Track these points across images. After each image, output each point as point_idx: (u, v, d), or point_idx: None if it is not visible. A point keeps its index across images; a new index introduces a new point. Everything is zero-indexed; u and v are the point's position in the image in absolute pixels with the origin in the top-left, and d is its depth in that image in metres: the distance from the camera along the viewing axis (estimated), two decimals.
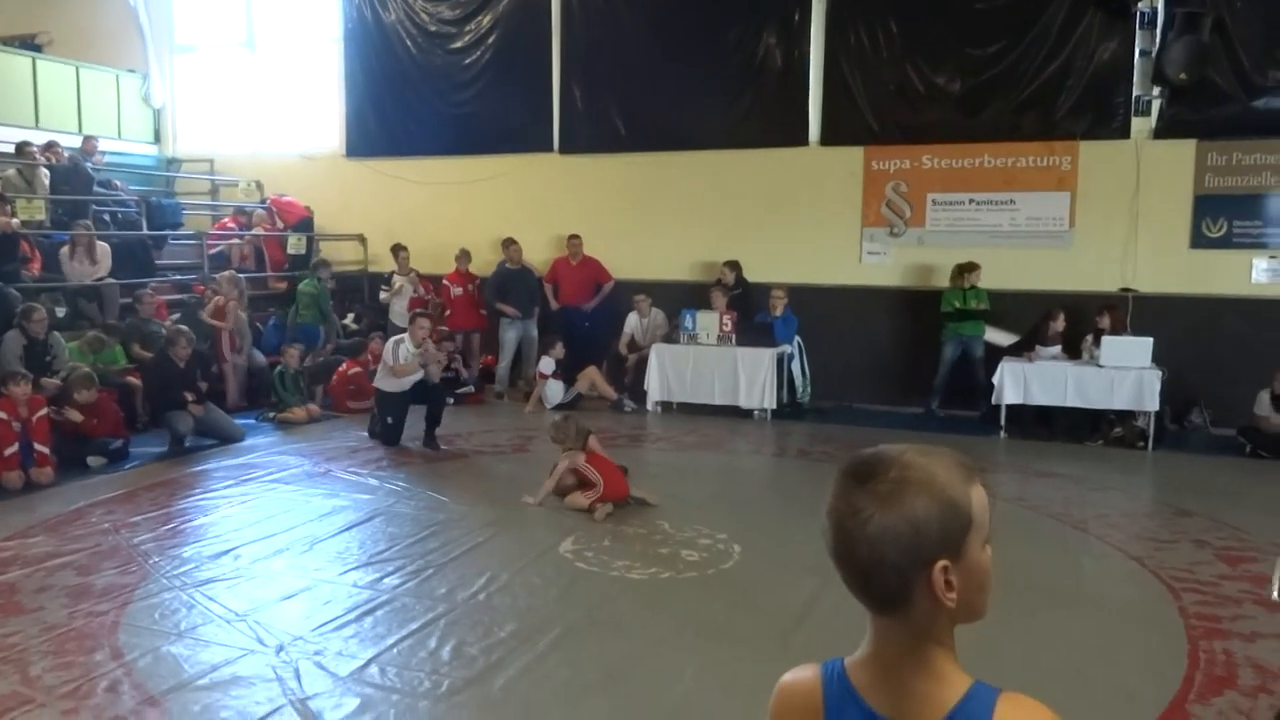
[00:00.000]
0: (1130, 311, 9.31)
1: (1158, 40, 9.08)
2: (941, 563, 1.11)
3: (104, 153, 11.54)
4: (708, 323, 9.77)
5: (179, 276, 10.94)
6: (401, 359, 8.22)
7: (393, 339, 8.53)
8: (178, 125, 13.60)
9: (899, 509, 1.11)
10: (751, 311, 10.04)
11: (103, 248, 9.55)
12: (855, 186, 10.36)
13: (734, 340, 9.67)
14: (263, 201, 12.39)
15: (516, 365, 10.98)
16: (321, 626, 4.44)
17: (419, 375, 8.26)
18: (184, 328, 8.46)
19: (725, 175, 10.78)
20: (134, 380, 8.68)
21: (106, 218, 10.57)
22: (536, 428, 9.05)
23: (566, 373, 10.18)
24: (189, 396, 8.03)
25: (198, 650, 4.17)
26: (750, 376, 9.53)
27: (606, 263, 10.96)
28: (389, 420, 8.24)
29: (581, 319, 10.87)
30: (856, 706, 1.18)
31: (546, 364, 10.04)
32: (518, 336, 10.79)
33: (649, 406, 9.88)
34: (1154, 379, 8.31)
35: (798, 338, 9.95)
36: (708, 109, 10.67)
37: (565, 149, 11.45)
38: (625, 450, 7.80)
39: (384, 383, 8.30)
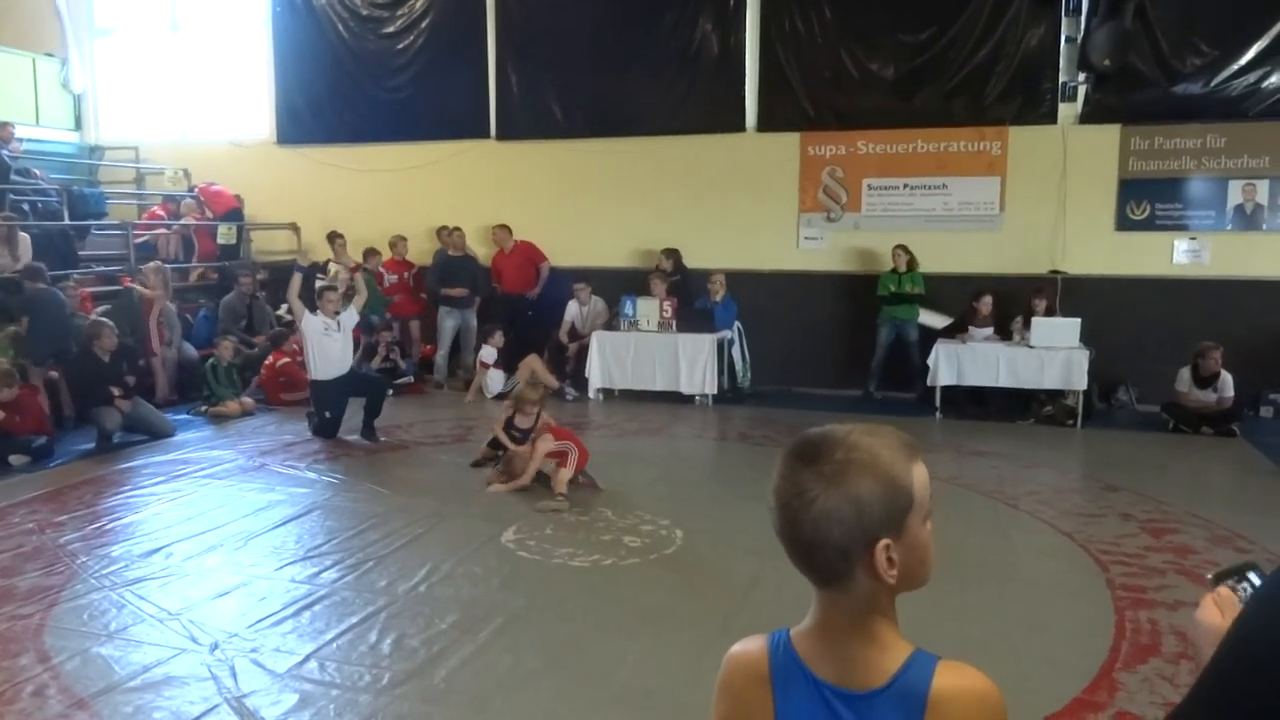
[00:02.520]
0: (1059, 293, 9.54)
1: (1082, 27, 9.30)
2: (884, 541, 1.14)
3: (21, 140, 11.12)
4: (648, 309, 9.78)
5: (103, 268, 10.61)
6: (311, 330, 8.00)
7: (306, 316, 8.27)
8: (99, 111, 13.16)
9: (843, 490, 1.13)
10: (691, 298, 10.08)
11: (23, 239, 9.21)
12: (792, 172, 10.45)
13: (674, 326, 9.70)
14: (190, 189, 12.06)
15: (455, 354, 10.88)
16: (258, 623, 4.36)
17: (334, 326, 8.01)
18: (106, 320, 8.20)
19: (663, 161, 10.78)
20: (53, 374, 8.40)
21: (25, 207, 10.20)
22: (477, 417, 9.00)
23: (507, 361, 10.11)
24: (115, 391, 7.80)
25: (128, 651, 4.07)
26: (691, 362, 9.57)
27: (545, 250, 10.90)
28: (325, 414, 8.09)
29: (525, 307, 10.81)
30: (801, 674, 1.21)
31: (488, 353, 9.96)
32: (456, 325, 10.68)
33: (590, 394, 9.88)
34: (1082, 359, 8.54)
35: (737, 323, 10.01)
36: (645, 95, 10.65)
37: (502, 135, 11.35)
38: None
39: (316, 370, 8.10)
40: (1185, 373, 8.52)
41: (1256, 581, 1.10)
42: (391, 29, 11.61)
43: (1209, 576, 1.14)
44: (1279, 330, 9.08)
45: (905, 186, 10.14)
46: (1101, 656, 4.01)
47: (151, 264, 9.82)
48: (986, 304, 9.29)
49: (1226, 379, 8.37)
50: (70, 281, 9.33)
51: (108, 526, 5.83)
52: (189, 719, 3.51)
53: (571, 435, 6.76)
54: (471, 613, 4.46)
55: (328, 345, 8.02)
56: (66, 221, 10.39)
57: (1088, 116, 9.57)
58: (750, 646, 1.28)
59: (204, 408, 9.06)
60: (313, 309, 8.10)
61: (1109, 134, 9.56)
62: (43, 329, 8.27)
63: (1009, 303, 9.39)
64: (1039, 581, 4.99)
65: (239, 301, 10.57)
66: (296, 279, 8.20)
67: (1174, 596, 4.66)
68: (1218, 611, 1.08)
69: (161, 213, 11.72)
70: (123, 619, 4.41)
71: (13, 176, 10.38)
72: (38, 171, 11.12)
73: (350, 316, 8.24)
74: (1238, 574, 1.12)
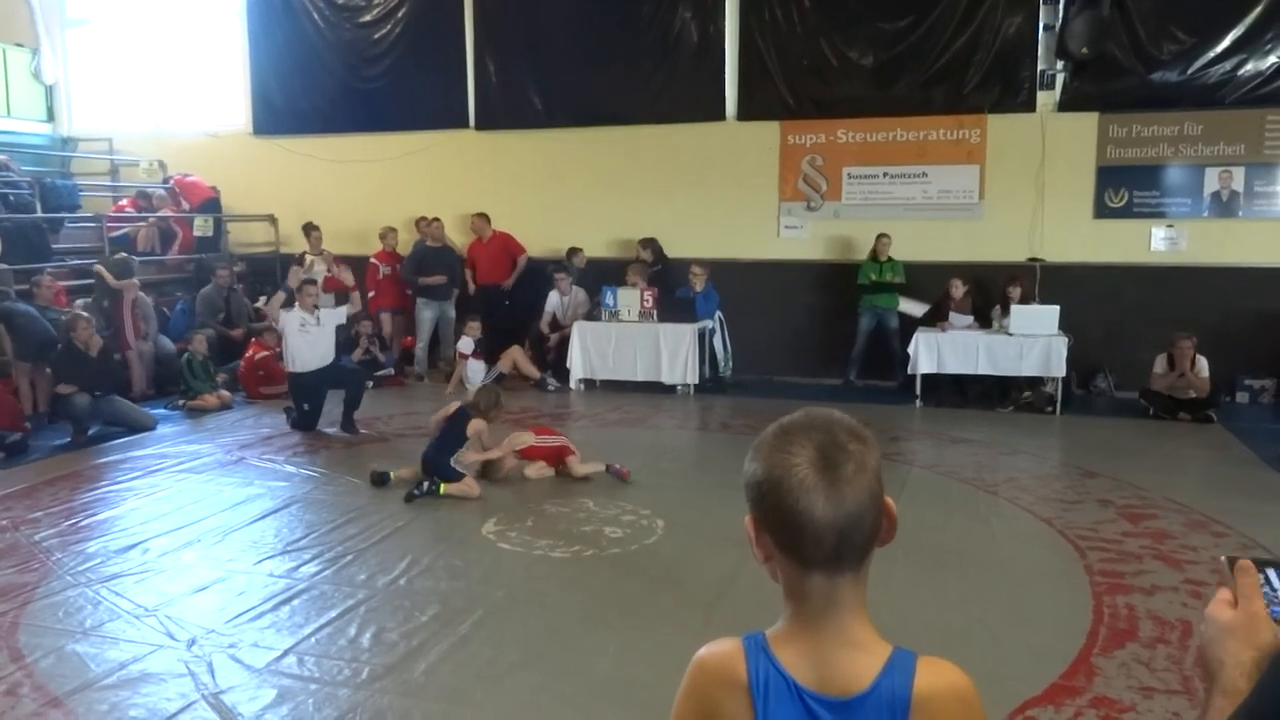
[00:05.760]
0: (1038, 280, 9.58)
1: (1060, 15, 9.33)
2: (888, 497, 1.18)
3: None
4: (629, 299, 9.76)
5: (78, 261, 10.47)
6: (288, 326, 7.94)
7: (283, 313, 8.24)
8: (72, 102, 12.99)
9: (871, 458, 1.16)
10: (672, 287, 10.06)
11: None
12: (772, 161, 10.44)
13: (655, 317, 9.69)
14: (165, 181, 11.93)
15: (435, 346, 10.83)
16: (236, 618, 4.32)
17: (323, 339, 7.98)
18: (81, 312, 8.11)
19: (643, 151, 10.74)
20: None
21: None
22: None
23: (488, 353, 10.07)
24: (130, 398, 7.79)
25: (104, 648, 4.03)
26: (672, 352, 9.56)
27: (525, 240, 10.85)
28: (304, 407, 8.03)
29: (501, 298, 10.75)
30: (783, 681, 1.17)
31: (465, 344, 9.92)
32: (434, 316, 10.63)
33: (572, 385, 9.85)
34: (1061, 346, 8.59)
35: (719, 313, 10.01)
36: (624, 84, 10.61)
37: (481, 125, 11.28)
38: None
39: (294, 364, 7.99)
40: (1161, 359, 8.59)
41: (1276, 583, 1.02)
42: (368, 18, 11.51)
43: (1223, 559, 1.06)
44: (1255, 316, 9.17)
45: (885, 175, 10.15)
46: (1079, 642, 4.03)
47: (119, 256, 9.63)
48: (958, 287, 9.30)
49: (1202, 363, 8.44)
50: (45, 275, 9.22)
51: (83, 522, 5.77)
52: (166, 716, 3.48)
53: (551, 431, 6.84)
54: (451, 605, 4.45)
55: (303, 341, 7.95)
56: (39, 214, 10.26)
57: (1066, 104, 9.60)
58: (723, 651, 1.22)
59: (181, 402, 8.97)
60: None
61: (1087, 122, 9.59)
62: (27, 336, 8.28)
63: (989, 290, 9.42)
64: (1018, 568, 5.02)
65: (216, 294, 10.46)
66: (281, 296, 8.16)
67: (1151, 581, 4.70)
68: (1230, 609, 1.02)
69: (130, 208, 11.57)
70: (98, 616, 4.37)
71: None
72: (10, 163, 10.95)
73: (335, 315, 8.22)
74: (1259, 567, 1.04)
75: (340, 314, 8.26)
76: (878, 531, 1.17)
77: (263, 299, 11.28)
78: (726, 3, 10.32)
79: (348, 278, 8.94)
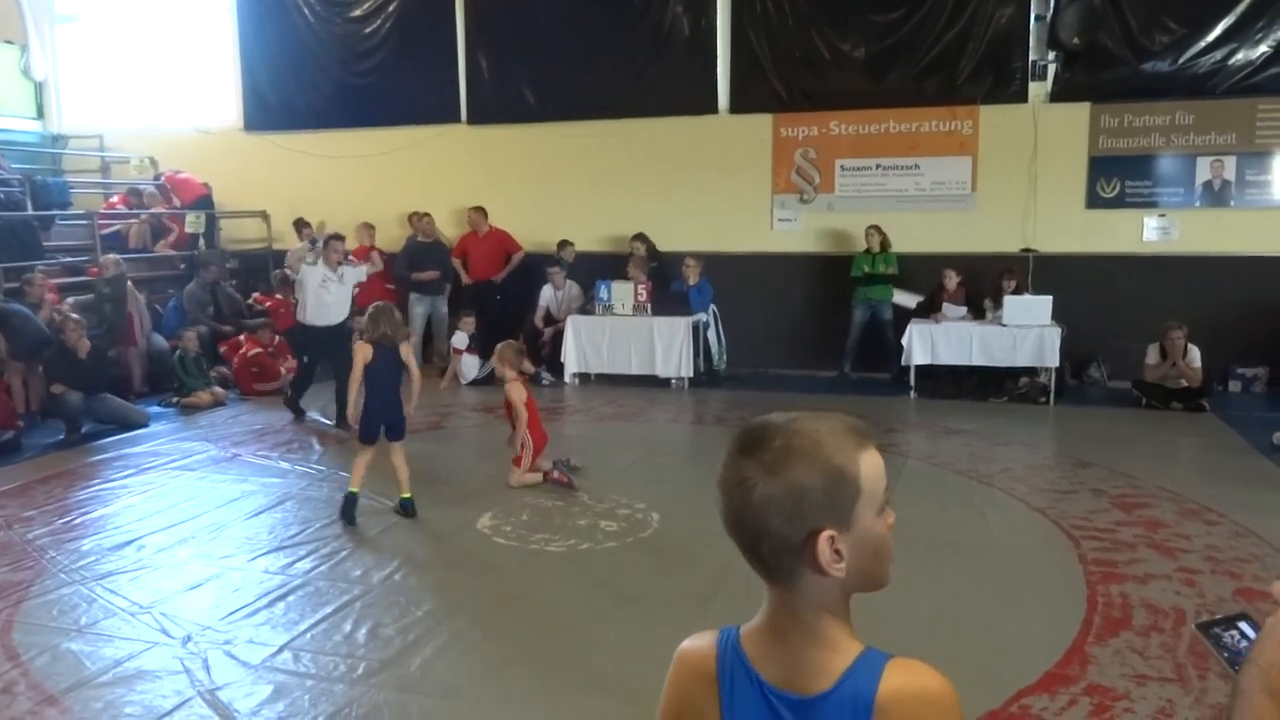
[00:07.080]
0: (1030, 271, 9.59)
1: (1052, 5, 9.32)
2: (828, 532, 1.10)
3: None
4: (623, 293, 9.75)
5: (69, 259, 10.44)
6: (309, 279, 7.97)
7: (305, 266, 8.19)
8: (62, 99, 12.92)
9: (782, 477, 1.10)
10: (666, 281, 10.06)
11: None
12: (765, 154, 10.42)
13: (649, 310, 9.68)
14: (156, 178, 11.88)
15: (429, 342, 10.81)
16: (231, 615, 4.32)
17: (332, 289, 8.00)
18: (71, 315, 8.07)
19: (636, 144, 10.72)
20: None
21: None
22: (452, 405, 8.96)
23: (482, 347, 10.06)
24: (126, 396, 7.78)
25: (99, 646, 4.02)
26: (666, 346, 9.56)
27: (518, 235, 10.82)
28: (304, 359, 8.13)
29: (494, 292, 10.73)
30: (748, 677, 1.17)
31: (460, 339, 9.91)
32: (426, 312, 10.61)
33: (566, 379, 9.85)
34: (1054, 336, 8.60)
35: (713, 306, 10.00)
36: (616, 77, 10.58)
37: (473, 119, 11.25)
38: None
39: (307, 315, 8.04)
40: (1154, 349, 8.61)
41: (1250, 633, 1.01)
42: (358, 12, 11.46)
43: (1193, 628, 1.08)
44: (1247, 305, 9.19)
45: (878, 167, 10.14)
46: (1073, 630, 4.05)
47: (109, 256, 9.59)
48: (951, 278, 9.31)
49: (1194, 352, 8.47)
50: (37, 273, 9.17)
51: (77, 520, 5.75)
52: (161, 713, 3.48)
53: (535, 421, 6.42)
54: (447, 600, 4.45)
55: (323, 294, 8.04)
56: (30, 212, 10.21)
57: (1058, 95, 9.60)
58: (699, 644, 1.25)
59: (175, 399, 8.95)
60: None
61: (1079, 112, 9.59)
62: (21, 336, 8.25)
63: (982, 282, 9.43)
64: (1012, 558, 5.04)
65: (201, 290, 10.38)
66: (304, 246, 8.23)
67: (1144, 570, 4.72)
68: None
69: (121, 204, 11.53)
70: (93, 613, 4.36)
71: None
72: (0, 161, 10.90)
73: (356, 273, 8.31)
74: (1227, 624, 1.04)
75: (361, 272, 8.37)
76: (794, 545, 1.10)
77: (253, 295, 11.27)
78: None
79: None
